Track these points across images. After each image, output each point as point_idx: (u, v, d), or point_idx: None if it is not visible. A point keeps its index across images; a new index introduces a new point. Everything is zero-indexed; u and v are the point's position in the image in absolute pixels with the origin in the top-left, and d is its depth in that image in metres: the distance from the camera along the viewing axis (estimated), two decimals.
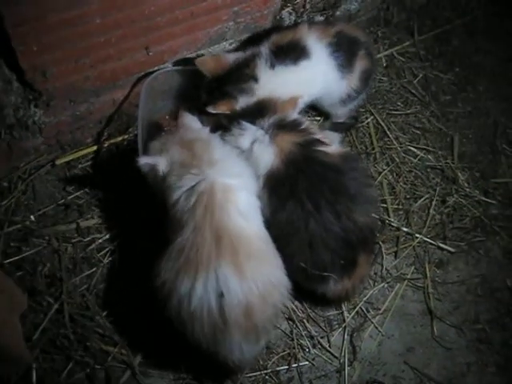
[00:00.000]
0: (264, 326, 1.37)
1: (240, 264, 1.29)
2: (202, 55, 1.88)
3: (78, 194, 1.88)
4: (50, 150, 1.90)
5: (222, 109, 1.67)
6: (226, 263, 1.29)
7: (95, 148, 1.95)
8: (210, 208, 1.33)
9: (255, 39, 1.85)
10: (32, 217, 1.80)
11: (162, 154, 1.47)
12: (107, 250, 1.79)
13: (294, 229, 1.51)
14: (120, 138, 1.95)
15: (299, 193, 1.51)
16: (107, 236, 1.80)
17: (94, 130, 1.93)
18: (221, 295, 1.28)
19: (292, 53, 1.72)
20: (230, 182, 1.39)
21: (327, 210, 1.49)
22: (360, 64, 1.85)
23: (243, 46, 1.92)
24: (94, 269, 1.75)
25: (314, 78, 1.78)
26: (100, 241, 1.80)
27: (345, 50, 1.80)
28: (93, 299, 1.70)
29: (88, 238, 1.80)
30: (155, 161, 1.47)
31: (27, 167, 1.89)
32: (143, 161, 1.48)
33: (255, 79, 1.69)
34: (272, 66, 1.70)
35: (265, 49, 1.72)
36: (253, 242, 1.35)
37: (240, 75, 1.69)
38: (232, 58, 1.73)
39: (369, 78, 1.93)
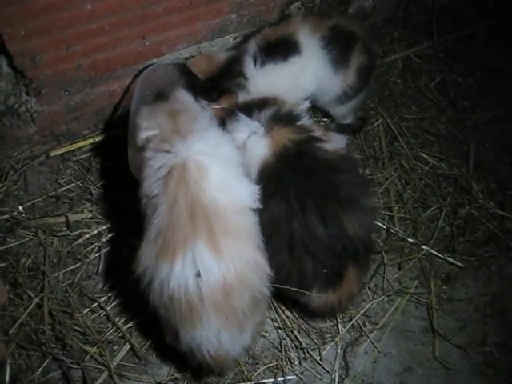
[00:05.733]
0: (243, 311, 1.28)
1: (216, 241, 1.24)
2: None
3: (69, 186, 1.84)
4: (45, 141, 1.86)
5: (224, 104, 1.63)
6: (202, 241, 1.23)
7: (91, 141, 1.91)
8: (184, 183, 1.26)
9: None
10: (20, 207, 1.77)
11: (149, 120, 1.39)
12: (94, 245, 1.74)
13: (275, 227, 1.40)
14: (116, 132, 1.89)
15: (286, 188, 1.40)
16: (95, 231, 1.75)
17: (90, 122, 1.88)
18: (198, 274, 1.22)
19: (282, 49, 1.68)
20: (203, 158, 1.30)
21: (312, 211, 1.37)
22: (356, 59, 1.76)
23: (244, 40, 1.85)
24: (78, 264, 1.70)
25: (303, 72, 1.71)
26: (87, 236, 1.74)
27: (339, 44, 1.72)
28: (75, 296, 1.65)
29: (75, 233, 1.75)
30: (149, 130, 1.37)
31: (21, 157, 1.85)
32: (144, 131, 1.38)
33: (244, 76, 1.66)
34: (263, 64, 1.68)
35: (252, 46, 1.69)
36: (229, 217, 1.27)
37: (231, 71, 1.67)
38: (224, 56, 1.72)
39: (368, 76, 1.82)
